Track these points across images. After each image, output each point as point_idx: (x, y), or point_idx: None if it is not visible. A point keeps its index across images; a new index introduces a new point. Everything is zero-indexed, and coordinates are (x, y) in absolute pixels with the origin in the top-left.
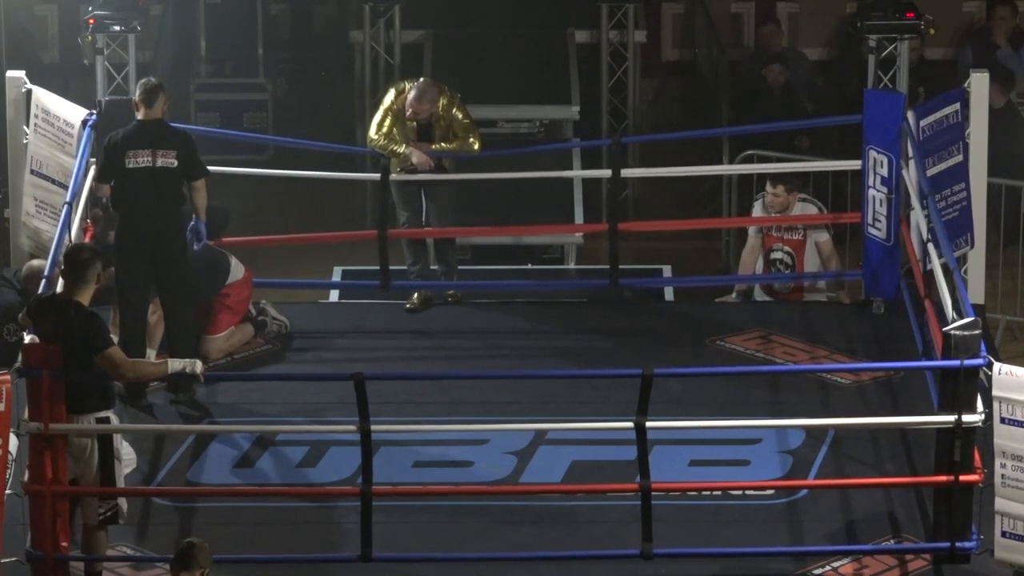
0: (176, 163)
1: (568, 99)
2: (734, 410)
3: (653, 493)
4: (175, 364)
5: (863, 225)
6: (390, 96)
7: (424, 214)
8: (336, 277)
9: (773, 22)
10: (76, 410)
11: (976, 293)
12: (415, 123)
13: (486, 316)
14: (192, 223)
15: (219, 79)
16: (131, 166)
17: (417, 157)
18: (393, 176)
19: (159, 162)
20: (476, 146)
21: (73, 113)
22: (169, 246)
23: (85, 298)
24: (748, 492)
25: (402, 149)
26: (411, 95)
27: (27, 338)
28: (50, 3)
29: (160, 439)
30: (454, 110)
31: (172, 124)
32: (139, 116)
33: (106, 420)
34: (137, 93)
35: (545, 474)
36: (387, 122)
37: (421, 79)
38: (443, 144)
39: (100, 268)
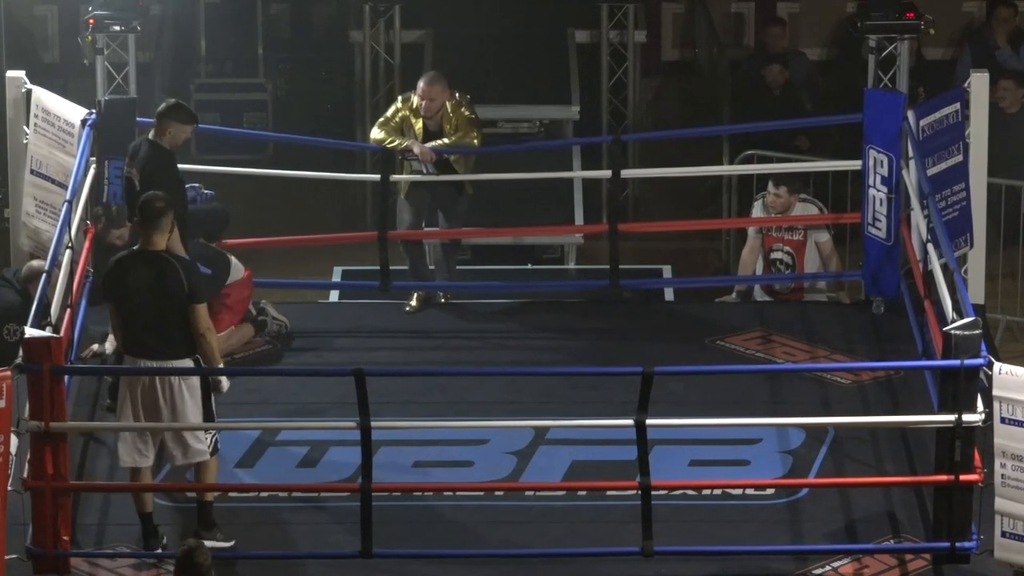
0: (139, 185)
1: (568, 99)
2: (734, 410)
3: (653, 493)
4: (225, 383)
5: (863, 225)
6: (396, 103)
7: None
8: (336, 277)
9: (778, 23)
10: (180, 354)
11: (976, 293)
12: (423, 126)
13: (486, 316)
14: None
15: (219, 79)
16: (125, 175)
17: (418, 148)
18: (398, 176)
19: (134, 177)
20: (476, 141)
21: (73, 113)
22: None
23: (163, 245)
24: (748, 492)
25: (403, 142)
26: (421, 83)
27: (28, 332)
28: (50, 3)
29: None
30: (462, 108)
31: (156, 152)
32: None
33: (199, 362)
34: None
35: (545, 474)
36: (394, 120)
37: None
38: (444, 140)
39: (173, 217)
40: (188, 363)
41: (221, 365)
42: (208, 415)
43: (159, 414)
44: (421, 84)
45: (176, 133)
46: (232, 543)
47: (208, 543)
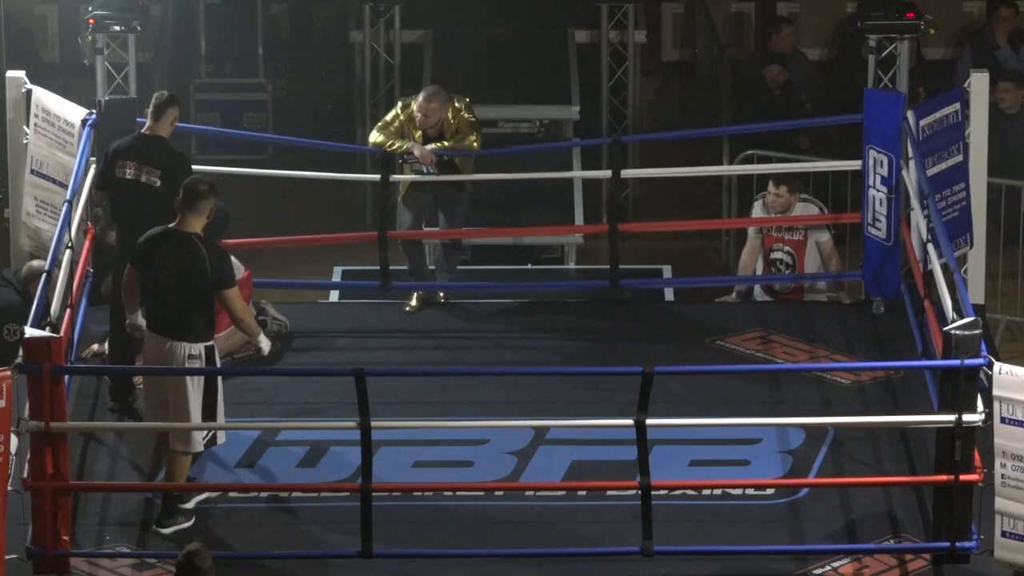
0: (159, 183)
1: (568, 99)
2: (734, 410)
3: (653, 493)
4: (264, 342)
5: (863, 225)
6: (396, 109)
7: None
8: (336, 277)
9: (787, 22)
10: (190, 338)
11: (976, 293)
12: (422, 133)
13: (486, 316)
14: None
15: (219, 79)
16: (119, 176)
17: (418, 150)
18: (399, 176)
19: (143, 178)
20: (475, 144)
21: (73, 113)
22: None
23: (199, 229)
24: (748, 492)
25: (403, 145)
26: (420, 97)
27: (28, 332)
28: (50, 3)
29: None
30: (462, 112)
31: (172, 147)
32: (143, 128)
33: (212, 348)
34: (150, 104)
35: (545, 474)
36: (394, 125)
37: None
38: (444, 143)
39: (214, 203)
40: (199, 348)
41: (262, 336)
42: (211, 406)
43: (174, 392)
44: (420, 98)
45: (175, 122)
46: (193, 520)
47: (171, 529)
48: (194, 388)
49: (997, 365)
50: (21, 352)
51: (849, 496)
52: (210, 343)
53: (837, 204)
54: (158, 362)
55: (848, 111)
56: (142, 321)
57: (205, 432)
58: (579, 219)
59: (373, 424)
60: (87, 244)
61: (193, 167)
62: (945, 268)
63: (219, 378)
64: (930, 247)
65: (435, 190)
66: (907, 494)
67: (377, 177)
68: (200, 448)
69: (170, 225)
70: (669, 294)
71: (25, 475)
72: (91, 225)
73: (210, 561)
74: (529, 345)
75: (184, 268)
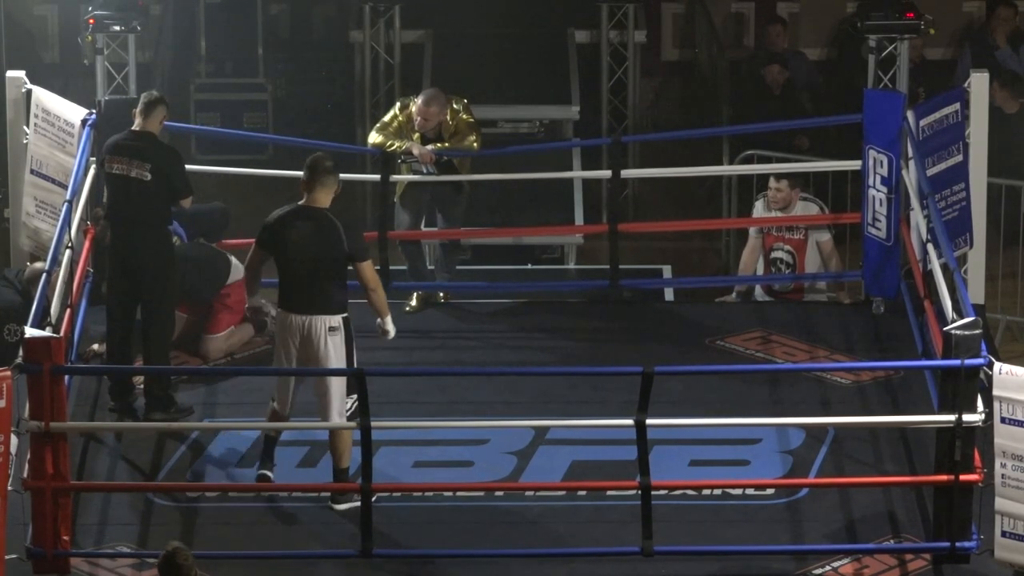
0: (150, 176)
1: (568, 99)
2: (734, 410)
3: (653, 493)
4: (390, 325)
5: (863, 225)
6: (394, 110)
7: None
8: None
9: (778, 22)
10: (330, 311)
11: (976, 293)
12: (420, 135)
13: (486, 316)
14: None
15: (219, 79)
16: (108, 171)
17: (417, 150)
18: (398, 177)
19: (133, 172)
20: (475, 145)
21: (73, 113)
22: (141, 258)
23: (327, 204)
24: (748, 492)
25: (403, 144)
26: (419, 100)
27: (28, 332)
28: (50, 3)
29: (160, 439)
30: (460, 114)
31: (161, 142)
32: (133, 126)
33: (349, 319)
34: (139, 103)
35: (545, 474)
36: (393, 125)
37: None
38: (444, 143)
39: (339, 180)
40: (338, 319)
41: (390, 319)
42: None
43: (311, 364)
44: (419, 102)
45: (163, 121)
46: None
47: (346, 506)
48: (336, 357)
49: (997, 365)
50: (21, 352)
51: (849, 496)
52: (346, 314)
53: (837, 204)
54: (294, 340)
55: (848, 111)
56: (262, 302)
57: (348, 401)
58: (579, 219)
59: (373, 424)
60: (87, 244)
61: (185, 163)
62: (945, 268)
63: (353, 346)
64: (930, 247)
65: (433, 190)
66: (907, 494)
67: (377, 177)
68: (343, 417)
69: (299, 203)
70: (669, 294)
71: (25, 475)
72: (91, 225)
73: (191, 559)
74: (529, 345)
75: (320, 243)
